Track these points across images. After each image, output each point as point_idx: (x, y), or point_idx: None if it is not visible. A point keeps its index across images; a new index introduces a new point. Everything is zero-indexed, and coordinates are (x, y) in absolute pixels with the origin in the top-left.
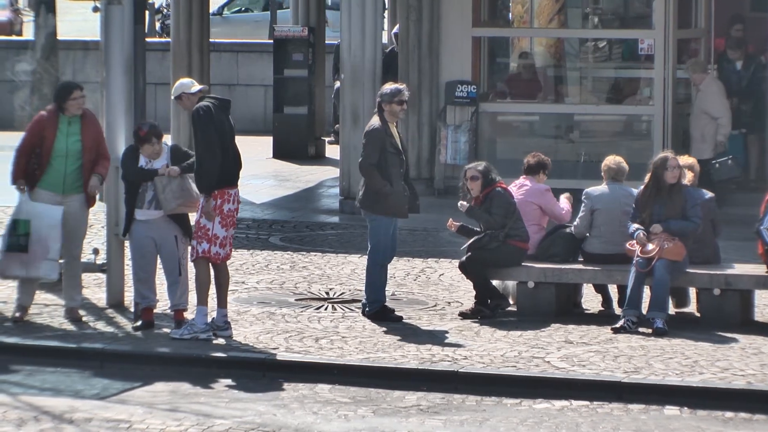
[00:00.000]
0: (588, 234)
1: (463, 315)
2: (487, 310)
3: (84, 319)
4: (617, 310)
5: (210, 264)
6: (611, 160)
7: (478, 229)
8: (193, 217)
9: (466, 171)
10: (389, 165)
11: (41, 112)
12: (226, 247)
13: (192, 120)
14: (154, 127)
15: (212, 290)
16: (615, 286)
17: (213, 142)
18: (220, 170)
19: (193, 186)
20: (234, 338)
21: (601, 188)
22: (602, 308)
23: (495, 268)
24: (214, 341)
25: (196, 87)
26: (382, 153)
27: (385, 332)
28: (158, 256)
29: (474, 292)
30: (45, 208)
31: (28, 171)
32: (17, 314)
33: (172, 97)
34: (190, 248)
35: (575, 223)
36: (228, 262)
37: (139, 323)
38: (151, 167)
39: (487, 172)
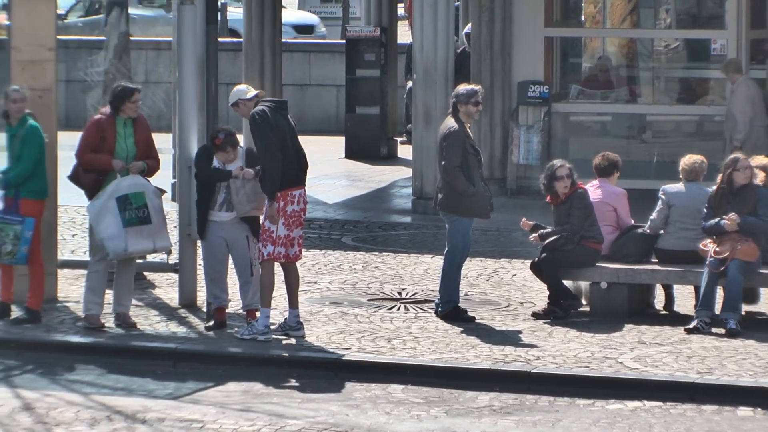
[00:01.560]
0: (662, 231)
1: (536, 315)
2: (560, 310)
3: (156, 318)
4: (681, 311)
5: (281, 265)
6: (687, 159)
7: (551, 228)
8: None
9: (556, 170)
10: (470, 166)
11: (96, 116)
12: (293, 248)
13: (250, 126)
14: (231, 136)
15: (284, 291)
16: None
17: (272, 146)
18: (284, 171)
19: None
20: (306, 338)
21: (677, 186)
22: (662, 307)
23: (569, 269)
24: (286, 341)
25: (252, 92)
26: (463, 154)
27: (458, 333)
28: (230, 257)
29: (547, 293)
30: (144, 180)
31: (89, 180)
32: (91, 323)
33: (229, 104)
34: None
35: (651, 217)
36: (300, 263)
37: (211, 323)
38: (224, 169)
39: (573, 172)
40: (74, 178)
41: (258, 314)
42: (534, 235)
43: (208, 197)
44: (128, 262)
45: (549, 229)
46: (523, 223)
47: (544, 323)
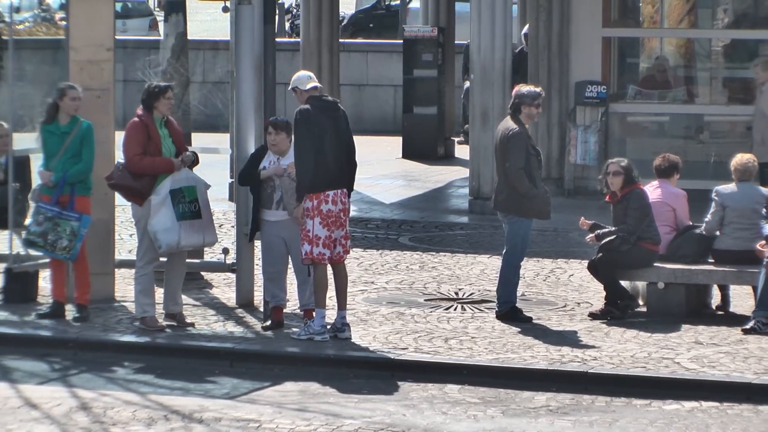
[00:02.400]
0: (718, 232)
1: (593, 315)
2: (617, 310)
3: (213, 318)
4: (737, 312)
5: (330, 266)
6: (738, 159)
7: (610, 228)
8: None
9: (608, 165)
10: (532, 167)
11: (135, 119)
12: (335, 248)
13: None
14: (275, 118)
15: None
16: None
17: (303, 149)
18: (317, 173)
19: None
20: (362, 338)
21: (730, 187)
22: (716, 308)
23: (625, 270)
24: (343, 341)
25: (311, 84)
26: (526, 156)
27: (515, 333)
28: (289, 256)
29: (604, 293)
30: (195, 174)
31: (144, 184)
32: (149, 324)
33: (289, 88)
34: None
35: (706, 219)
36: (357, 262)
37: (268, 323)
38: (277, 165)
39: (629, 170)
40: (118, 185)
41: (315, 314)
42: (590, 235)
43: (257, 198)
44: (179, 260)
45: (606, 229)
46: (582, 222)
47: (601, 323)
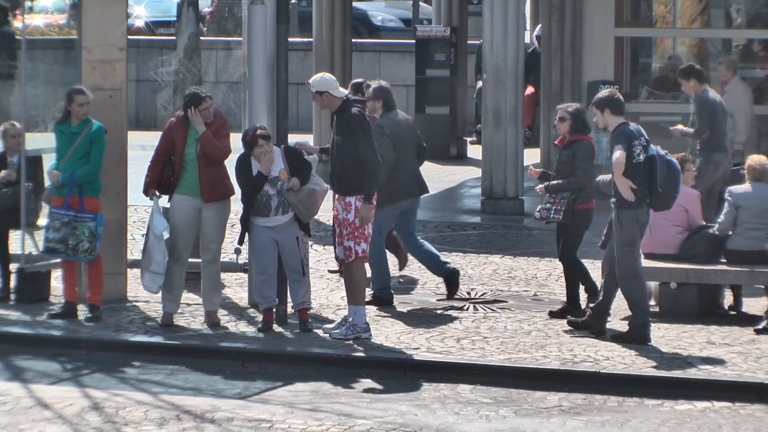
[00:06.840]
0: (731, 232)
1: (552, 314)
2: (577, 310)
3: (225, 318)
4: (749, 312)
5: (344, 264)
6: (755, 159)
7: (559, 181)
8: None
9: (557, 110)
10: None
11: (171, 119)
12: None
13: (354, 125)
14: (258, 129)
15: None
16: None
17: (375, 149)
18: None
19: (315, 186)
20: (375, 338)
21: (744, 187)
22: (728, 308)
23: (577, 238)
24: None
25: (343, 91)
26: None
27: (527, 333)
28: (279, 256)
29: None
30: (156, 218)
31: (164, 179)
32: (162, 320)
33: (313, 90)
34: (345, 249)
35: (719, 219)
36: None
37: (260, 325)
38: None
39: (576, 116)
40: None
41: (356, 312)
42: (540, 186)
43: (250, 208)
44: (213, 261)
45: (556, 182)
46: (531, 170)
47: (613, 323)
